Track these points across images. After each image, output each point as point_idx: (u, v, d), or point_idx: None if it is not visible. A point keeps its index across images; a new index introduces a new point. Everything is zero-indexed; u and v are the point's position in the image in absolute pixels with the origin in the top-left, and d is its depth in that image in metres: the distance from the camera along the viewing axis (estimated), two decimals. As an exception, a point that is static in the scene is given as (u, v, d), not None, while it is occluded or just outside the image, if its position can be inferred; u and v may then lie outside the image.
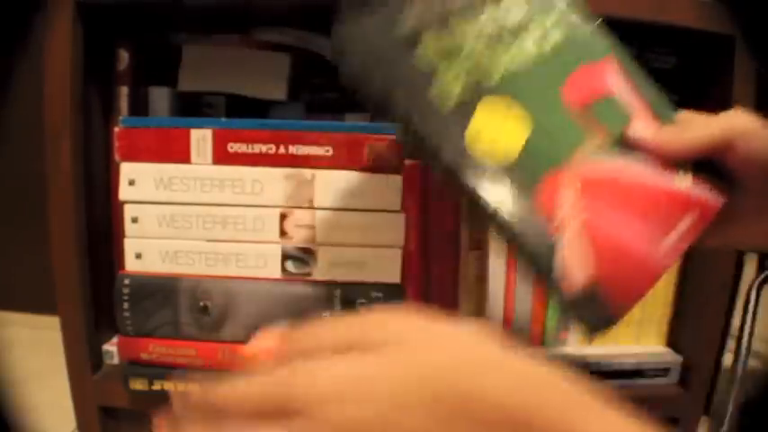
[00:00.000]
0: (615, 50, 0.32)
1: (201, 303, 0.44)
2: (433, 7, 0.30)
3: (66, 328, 0.47)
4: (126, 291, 0.44)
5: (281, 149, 0.43)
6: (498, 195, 0.29)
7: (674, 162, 0.30)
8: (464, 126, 0.29)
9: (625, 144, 0.31)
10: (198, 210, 0.43)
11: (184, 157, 0.43)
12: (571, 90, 0.31)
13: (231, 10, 0.50)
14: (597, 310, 0.28)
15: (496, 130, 0.29)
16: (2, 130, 0.78)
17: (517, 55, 0.31)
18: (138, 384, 0.45)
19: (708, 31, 0.46)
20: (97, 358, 0.49)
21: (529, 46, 0.31)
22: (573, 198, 0.29)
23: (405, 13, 0.30)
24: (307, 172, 0.43)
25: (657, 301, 0.52)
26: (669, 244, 0.29)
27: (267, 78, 0.54)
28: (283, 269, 0.44)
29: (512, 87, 0.30)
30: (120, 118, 0.45)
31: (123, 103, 0.50)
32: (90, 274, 0.47)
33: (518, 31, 0.31)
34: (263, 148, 0.43)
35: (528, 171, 0.29)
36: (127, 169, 0.43)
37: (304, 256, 0.43)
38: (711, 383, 0.67)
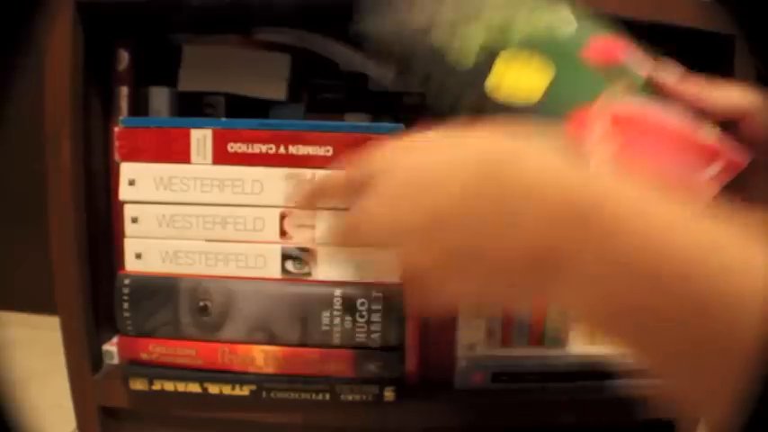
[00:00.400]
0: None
1: (201, 303, 0.44)
2: None
3: (66, 328, 0.47)
4: (126, 291, 0.43)
5: (281, 149, 0.43)
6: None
7: (699, 116, 0.31)
8: (485, 76, 0.30)
9: (650, 92, 0.31)
10: (198, 210, 0.43)
11: (184, 157, 0.43)
12: (591, 51, 0.31)
13: (231, 10, 0.50)
14: None
15: (518, 77, 0.30)
16: (2, 130, 0.78)
17: (537, 19, 0.31)
18: (138, 384, 0.45)
19: (708, 31, 0.46)
20: (97, 358, 0.49)
21: (547, 14, 0.32)
22: (603, 130, 0.29)
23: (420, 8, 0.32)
24: (307, 172, 0.43)
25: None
26: (697, 184, 0.30)
27: (267, 78, 0.54)
28: (283, 269, 0.44)
29: (531, 45, 0.31)
30: (120, 118, 0.45)
31: (123, 103, 0.50)
32: (90, 274, 0.47)
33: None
34: (263, 148, 0.43)
35: (553, 109, 0.30)
36: (127, 169, 0.43)
37: (304, 256, 0.43)
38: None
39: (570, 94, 0.30)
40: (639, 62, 0.32)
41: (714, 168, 0.30)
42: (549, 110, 0.30)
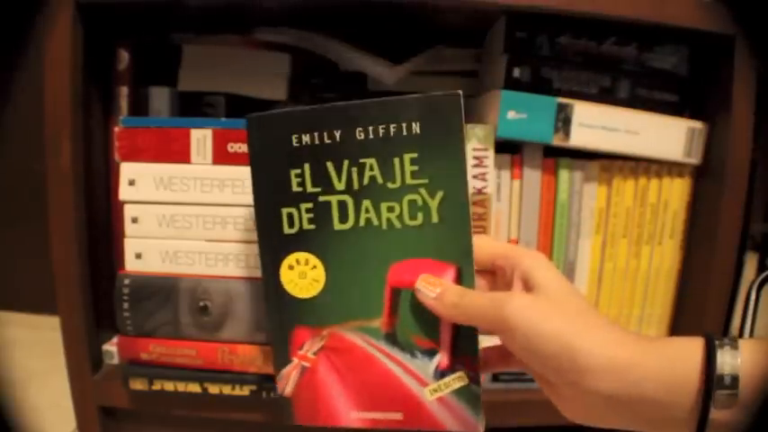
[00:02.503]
0: (465, 260, 0.33)
1: (201, 303, 0.44)
2: (315, 141, 0.34)
3: (66, 328, 0.47)
4: (126, 291, 0.43)
5: (281, 149, 0.43)
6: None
7: (438, 378, 0.34)
8: (282, 258, 0.35)
9: (405, 344, 0.35)
10: (198, 210, 0.43)
11: (184, 157, 0.43)
12: (395, 272, 0.34)
13: (231, 10, 0.50)
14: (288, 411, 0.37)
15: (299, 276, 0.35)
16: (2, 130, 0.78)
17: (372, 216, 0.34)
18: (138, 384, 0.45)
19: (708, 31, 0.46)
20: (97, 358, 0.49)
21: (383, 214, 0.34)
22: (318, 347, 0.36)
23: (297, 134, 0.34)
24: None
25: (657, 301, 0.52)
26: (363, 416, 0.35)
27: (267, 78, 0.54)
28: (283, 269, 0.44)
29: (340, 241, 0.34)
30: (120, 118, 0.45)
31: (123, 103, 0.50)
32: (90, 274, 0.47)
33: (377, 194, 0.34)
34: (263, 148, 0.43)
35: (325, 308, 0.35)
36: (127, 169, 0.43)
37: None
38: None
39: (341, 306, 0.35)
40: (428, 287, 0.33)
41: (396, 415, 0.35)
42: (315, 309, 0.35)
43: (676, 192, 0.51)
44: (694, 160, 0.49)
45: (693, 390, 0.25)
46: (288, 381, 0.36)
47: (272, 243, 0.35)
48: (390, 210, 0.33)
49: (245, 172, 0.43)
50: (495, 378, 0.50)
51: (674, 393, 0.26)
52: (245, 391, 0.45)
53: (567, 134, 0.47)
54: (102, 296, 0.48)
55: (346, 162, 0.33)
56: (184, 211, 0.43)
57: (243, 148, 0.43)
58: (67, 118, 0.44)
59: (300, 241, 0.34)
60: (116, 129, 0.43)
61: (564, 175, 0.49)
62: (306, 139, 0.33)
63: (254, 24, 0.54)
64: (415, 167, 0.33)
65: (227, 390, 0.45)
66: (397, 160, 0.33)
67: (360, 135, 0.33)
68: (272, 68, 0.54)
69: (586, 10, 0.45)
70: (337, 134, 0.33)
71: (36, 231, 0.51)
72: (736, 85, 0.46)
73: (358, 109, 0.33)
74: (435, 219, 0.33)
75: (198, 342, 0.44)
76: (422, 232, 0.33)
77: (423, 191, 0.33)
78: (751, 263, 0.74)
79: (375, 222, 0.34)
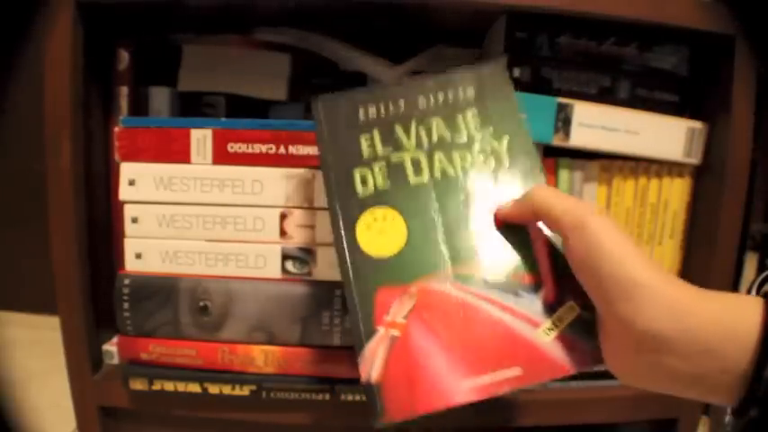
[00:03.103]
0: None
1: (201, 303, 0.44)
2: (384, 110, 0.36)
3: (66, 328, 0.47)
4: (126, 291, 0.44)
5: (281, 149, 0.43)
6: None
7: (549, 314, 0.31)
8: (357, 218, 0.34)
9: (504, 285, 0.32)
10: (198, 210, 0.43)
11: (184, 157, 0.43)
12: (479, 212, 0.34)
13: (231, 10, 0.50)
14: (373, 405, 0.30)
15: (376, 234, 0.33)
16: (2, 130, 0.78)
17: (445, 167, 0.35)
18: (138, 384, 0.45)
19: (708, 31, 0.46)
20: (97, 358, 0.49)
21: (456, 162, 0.35)
22: (403, 308, 0.31)
23: (364, 107, 0.36)
24: (307, 172, 0.43)
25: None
26: (477, 383, 0.30)
27: (267, 78, 0.54)
28: (283, 269, 0.44)
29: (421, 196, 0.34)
30: (120, 118, 0.45)
31: (123, 103, 0.50)
32: (90, 274, 0.47)
33: (448, 147, 0.35)
34: (263, 148, 0.43)
35: (402, 267, 0.32)
36: (127, 169, 0.43)
37: (304, 256, 0.43)
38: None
39: (427, 256, 0.32)
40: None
41: (515, 370, 0.30)
42: (399, 266, 0.32)
43: (676, 192, 0.51)
44: (694, 160, 0.49)
45: (750, 344, 0.24)
46: (373, 361, 0.30)
47: (347, 206, 0.34)
48: (463, 158, 0.34)
49: (245, 172, 0.43)
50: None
51: (728, 344, 0.25)
52: (245, 391, 0.45)
53: (566, 134, 0.47)
54: (102, 296, 0.48)
55: (414, 122, 0.35)
56: (184, 211, 0.43)
57: (243, 148, 0.43)
58: (67, 118, 0.44)
59: (377, 199, 0.34)
60: (116, 129, 0.43)
61: (564, 175, 0.49)
62: (372, 110, 0.36)
63: (254, 24, 0.54)
64: (478, 120, 0.35)
65: (227, 390, 0.45)
66: (460, 116, 0.36)
67: (422, 102, 0.36)
68: (272, 68, 0.54)
69: (586, 10, 0.45)
70: (401, 103, 0.36)
71: (36, 231, 0.51)
72: (736, 85, 0.46)
73: (416, 83, 0.36)
74: (506, 162, 0.34)
75: (198, 342, 0.44)
76: (497, 175, 0.34)
77: (489, 138, 0.35)
78: (751, 263, 0.74)
79: (450, 171, 0.34)
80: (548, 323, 0.31)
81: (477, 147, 0.35)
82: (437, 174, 0.34)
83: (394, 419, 0.29)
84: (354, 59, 0.55)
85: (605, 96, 0.48)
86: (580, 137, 0.47)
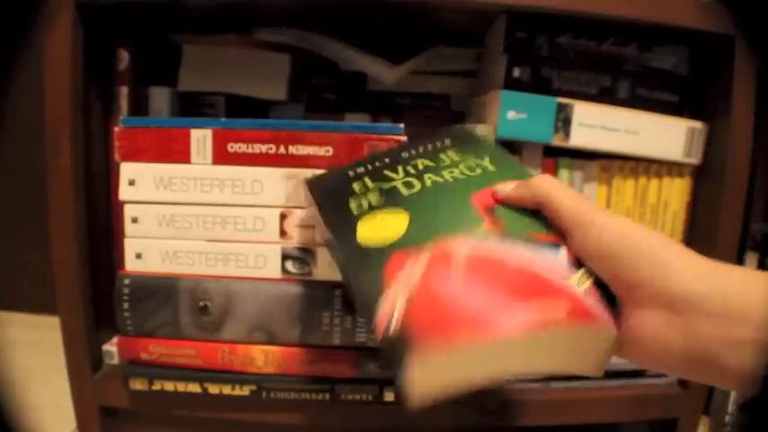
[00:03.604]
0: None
1: (201, 303, 0.44)
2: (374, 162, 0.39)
3: (66, 328, 0.47)
4: (126, 291, 0.44)
5: (281, 149, 0.43)
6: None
7: (576, 268, 0.29)
8: (357, 222, 0.34)
9: (525, 241, 0.30)
10: (198, 210, 0.43)
11: (184, 157, 0.43)
12: (477, 198, 0.34)
13: (231, 10, 0.50)
14: (397, 360, 0.25)
15: (377, 226, 0.33)
16: (2, 130, 0.78)
17: (432, 179, 0.36)
18: (138, 384, 0.45)
19: (708, 31, 0.46)
20: (97, 358, 0.49)
21: (445, 176, 0.36)
22: (423, 265, 0.29)
23: (352, 171, 0.38)
24: (307, 172, 0.43)
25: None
26: (523, 314, 0.26)
27: (267, 78, 0.54)
28: (283, 269, 0.44)
29: (416, 200, 0.34)
30: (120, 118, 0.45)
31: (123, 103, 0.50)
32: (90, 274, 0.47)
33: (435, 170, 0.37)
34: (263, 148, 0.43)
35: (413, 240, 0.31)
36: (127, 169, 0.43)
37: (304, 256, 0.43)
38: (711, 383, 0.67)
39: (434, 226, 0.32)
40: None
41: (550, 305, 0.27)
42: (408, 239, 0.31)
43: (676, 192, 0.51)
44: (694, 160, 0.49)
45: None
46: (391, 313, 0.26)
47: (344, 222, 0.34)
48: (451, 172, 0.36)
49: (244, 172, 0.43)
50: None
51: (753, 309, 0.24)
52: (245, 391, 0.45)
53: (566, 134, 0.47)
54: (102, 296, 0.48)
55: (400, 165, 0.38)
56: (184, 211, 0.43)
57: (243, 148, 0.43)
58: (67, 118, 0.44)
59: (372, 210, 0.34)
60: (116, 129, 0.43)
61: (564, 174, 0.49)
62: (360, 169, 0.38)
63: (254, 24, 0.54)
64: (458, 154, 0.39)
65: (227, 390, 0.45)
66: (442, 155, 0.39)
67: (405, 155, 0.39)
68: (272, 68, 0.54)
69: (586, 10, 0.45)
70: (387, 159, 0.39)
71: (36, 231, 0.51)
72: (736, 85, 0.46)
73: (397, 147, 0.40)
74: (491, 168, 0.37)
75: (198, 342, 0.44)
76: (485, 176, 0.36)
77: (471, 158, 0.38)
78: (751, 263, 0.74)
79: (441, 181, 0.36)
80: (578, 274, 0.29)
81: (462, 164, 0.37)
82: (428, 184, 0.36)
83: (428, 343, 0.25)
84: (354, 59, 0.55)
85: (605, 96, 0.48)
86: (580, 137, 0.47)
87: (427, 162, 0.38)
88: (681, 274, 0.26)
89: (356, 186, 0.37)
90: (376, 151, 0.41)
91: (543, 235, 0.31)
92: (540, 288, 0.28)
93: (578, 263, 0.29)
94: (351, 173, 0.38)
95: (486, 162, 0.37)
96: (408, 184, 0.36)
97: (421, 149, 0.40)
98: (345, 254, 0.32)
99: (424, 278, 0.28)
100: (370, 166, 0.38)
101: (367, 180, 0.37)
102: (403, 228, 0.32)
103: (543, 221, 0.31)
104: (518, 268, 0.29)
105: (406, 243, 0.31)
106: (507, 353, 0.26)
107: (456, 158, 0.38)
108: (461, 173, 0.36)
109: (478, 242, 0.30)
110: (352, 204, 0.35)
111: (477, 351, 0.25)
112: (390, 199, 0.35)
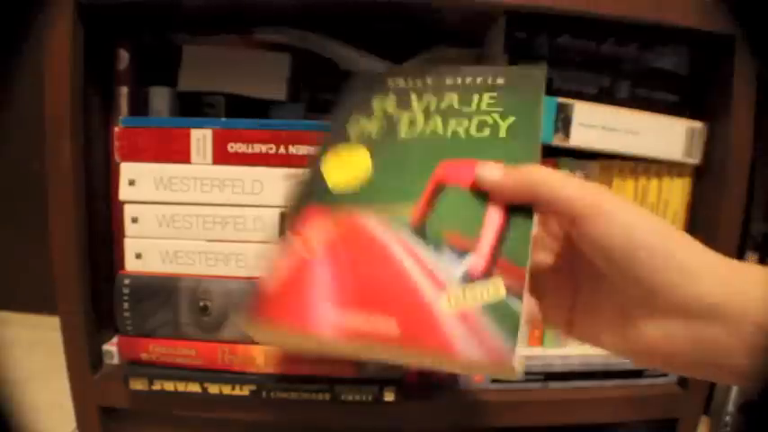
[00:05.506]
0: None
1: (201, 303, 0.44)
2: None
3: (66, 328, 0.47)
4: (126, 291, 0.43)
5: (281, 149, 0.43)
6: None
7: (465, 285, 0.27)
8: (332, 144, 0.34)
9: (433, 239, 0.29)
10: (198, 210, 0.43)
11: (184, 157, 0.43)
12: (445, 168, 0.31)
13: (231, 10, 0.50)
14: (249, 303, 0.29)
15: (341, 167, 0.33)
16: (2, 130, 0.78)
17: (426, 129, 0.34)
18: (138, 384, 0.45)
19: (708, 31, 0.46)
20: (97, 358, 0.49)
21: (449, 127, 0.34)
22: (326, 232, 0.30)
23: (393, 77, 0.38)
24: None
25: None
26: (346, 320, 0.27)
27: (267, 78, 0.53)
28: (283, 269, 0.44)
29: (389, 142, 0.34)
30: (120, 118, 0.45)
31: (123, 103, 0.50)
32: (90, 274, 0.47)
33: (449, 114, 0.34)
34: (263, 148, 0.43)
35: (368, 197, 0.31)
36: (127, 169, 0.43)
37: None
38: (711, 383, 0.67)
39: (379, 191, 0.31)
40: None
41: (389, 323, 0.26)
42: (365, 198, 0.31)
43: (676, 192, 0.51)
44: (694, 160, 0.49)
45: None
46: (272, 264, 0.30)
47: (332, 135, 0.34)
48: (459, 124, 0.33)
49: (245, 172, 0.43)
50: (496, 378, 0.50)
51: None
52: (245, 391, 0.45)
53: (567, 134, 0.47)
54: (102, 296, 0.48)
55: (428, 95, 0.36)
56: (184, 211, 0.43)
57: (243, 148, 0.43)
58: (67, 118, 0.44)
59: (358, 139, 0.34)
60: (116, 129, 0.43)
61: (564, 175, 0.49)
62: (400, 81, 0.37)
63: (254, 24, 0.53)
64: (493, 101, 0.34)
65: (227, 390, 0.45)
66: (476, 95, 0.35)
67: (449, 81, 0.36)
68: (272, 68, 0.54)
69: (586, 10, 0.45)
70: (429, 79, 0.36)
71: (36, 231, 0.51)
72: (736, 85, 0.46)
73: (456, 68, 0.37)
74: (503, 134, 0.32)
75: (198, 342, 0.44)
76: (486, 143, 0.32)
77: (495, 115, 0.33)
78: (751, 263, 0.74)
79: (440, 132, 0.33)
80: (457, 292, 0.26)
81: (478, 118, 0.33)
82: (427, 131, 0.34)
83: (251, 322, 0.29)
84: (354, 59, 0.55)
85: (605, 96, 0.48)
86: (580, 137, 0.47)
87: (455, 99, 0.35)
88: (701, 279, 0.24)
89: (377, 99, 0.36)
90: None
91: (459, 238, 0.28)
92: (394, 297, 0.27)
93: (482, 277, 0.27)
94: (390, 80, 0.37)
95: (504, 124, 0.33)
96: (412, 122, 0.35)
97: (468, 79, 0.36)
98: (304, 172, 0.33)
99: (302, 247, 0.30)
100: (411, 80, 0.37)
101: (391, 98, 0.36)
102: (360, 178, 0.32)
103: (471, 222, 0.29)
104: (395, 271, 0.28)
105: (339, 197, 0.32)
106: (334, 347, 0.27)
107: (483, 107, 0.34)
108: (466, 130, 0.33)
109: (386, 227, 0.29)
110: (353, 120, 0.35)
111: (299, 338, 0.28)
112: (384, 137, 0.34)
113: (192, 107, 0.53)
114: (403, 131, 0.34)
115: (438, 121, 0.34)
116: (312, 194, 0.32)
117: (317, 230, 0.30)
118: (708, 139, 0.49)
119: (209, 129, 0.43)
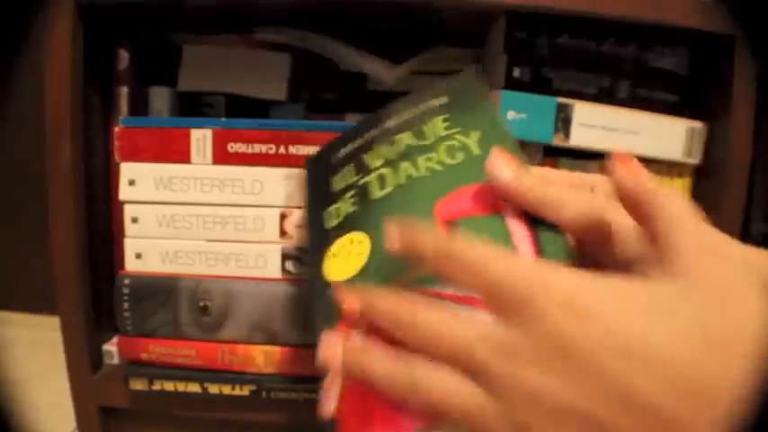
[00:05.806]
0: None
1: (201, 303, 0.44)
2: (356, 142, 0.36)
3: (66, 328, 0.47)
4: (126, 291, 0.43)
5: (281, 149, 0.43)
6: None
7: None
8: (324, 251, 0.32)
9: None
10: (198, 210, 0.43)
11: (184, 157, 0.43)
12: (441, 207, 0.29)
13: (231, 10, 0.50)
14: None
15: (339, 263, 0.30)
16: (2, 130, 0.78)
17: (404, 174, 0.32)
18: (138, 384, 0.45)
19: (708, 31, 0.46)
20: (97, 358, 0.49)
21: (421, 166, 0.32)
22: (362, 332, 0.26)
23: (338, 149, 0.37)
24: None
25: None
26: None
27: (267, 78, 0.54)
28: (283, 269, 0.44)
29: (386, 205, 0.31)
30: (120, 118, 0.45)
31: (123, 103, 0.50)
32: (90, 274, 0.47)
33: (413, 154, 0.32)
34: (263, 148, 0.43)
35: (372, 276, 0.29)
36: (127, 169, 0.43)
37: (304, 256, 0.43)
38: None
39: (385, 265, 0.28)
40: (505, 212, 0.27)
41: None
42: (365, 281, 0.29)
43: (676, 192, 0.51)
44: (694, 160, 0.49)
45: None
46: (330, 396, 0.27)
47: (316, 243, 0.32)
48: (429, 159, 0.31)
49: (245, 172, 0.43)
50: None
51: None
52: (245, 391, 0.45)
53: (566, 134, 0.47)
54: (102, 296, 0.48)
55: (382, 144, 0.34)
56: (184, 211, 0.43)
57: (243, 148, 0.43)
58: (67, 118, 0.44)
59: (343, 227, 0.32)
60: (116, 129, 0.43)
61: (564, 175, 0.49)
62: (341, 151, 0.36)
63: (254, 24, 0.54)
64: (447, 123, 0.33)
65: (227, 390, 0.45)
66: (428, 124, 0.33)
67: (391, 123, 0.35)
68: (272, 68, 0.54)
69: (586, 10, 0.45)
70: (371, 133, 0.35)
71: (36, 231, 0.51)
72: (737, 85, 0.46)
73: (390, 107, 0.36)
74: (476, 151, 0.30)
75: (198, 342, 0.44)
76: (466, 166, 0.30)
77: (458, 135, 0.31)
78: (751, 263, 0.74)
79: (415, 175, 0.31)
80: None
81: (443, 145, 0.32)
82: (402, 180, 0.31)
83: None
84: (354, 59, 0.55)
85: (605, 96, 0.48)
86: (580, 137, 0.47)
87: (409, 137, 0.33)
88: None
89: (335, 179, 0.35)
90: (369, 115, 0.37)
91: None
92: None
93: None
94: (335, 154, 0.36)
95: (473, 140, 0.31)
96: (381, 180, 0.32)
97: (410, 113, 0.34)
98: (311, 274, 0.31)
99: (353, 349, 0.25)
100: (356, 143, 0.36)
101: (349, 169, 0.35)
102: (363, 260, 0.29)
103: (500, 240, 0.26)
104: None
105: (359, 280, 0.28)
106: None
107: (441, 132, 0.32)
108: (439, 161, 0.31)
109: (425, 291, 0.25)
110: (325, 214, 0.33)
111: None
112: (362, 205, 0.32)
113: (192, 107, 0.53)
114: (376, 193, 0.32)
115: (407, 165, 0.32)
116: (335, 309, 0.27)
117: (354, 334, 0.26)
118: (708, 139, 0.49)
119: (209, 129, 0.43)
